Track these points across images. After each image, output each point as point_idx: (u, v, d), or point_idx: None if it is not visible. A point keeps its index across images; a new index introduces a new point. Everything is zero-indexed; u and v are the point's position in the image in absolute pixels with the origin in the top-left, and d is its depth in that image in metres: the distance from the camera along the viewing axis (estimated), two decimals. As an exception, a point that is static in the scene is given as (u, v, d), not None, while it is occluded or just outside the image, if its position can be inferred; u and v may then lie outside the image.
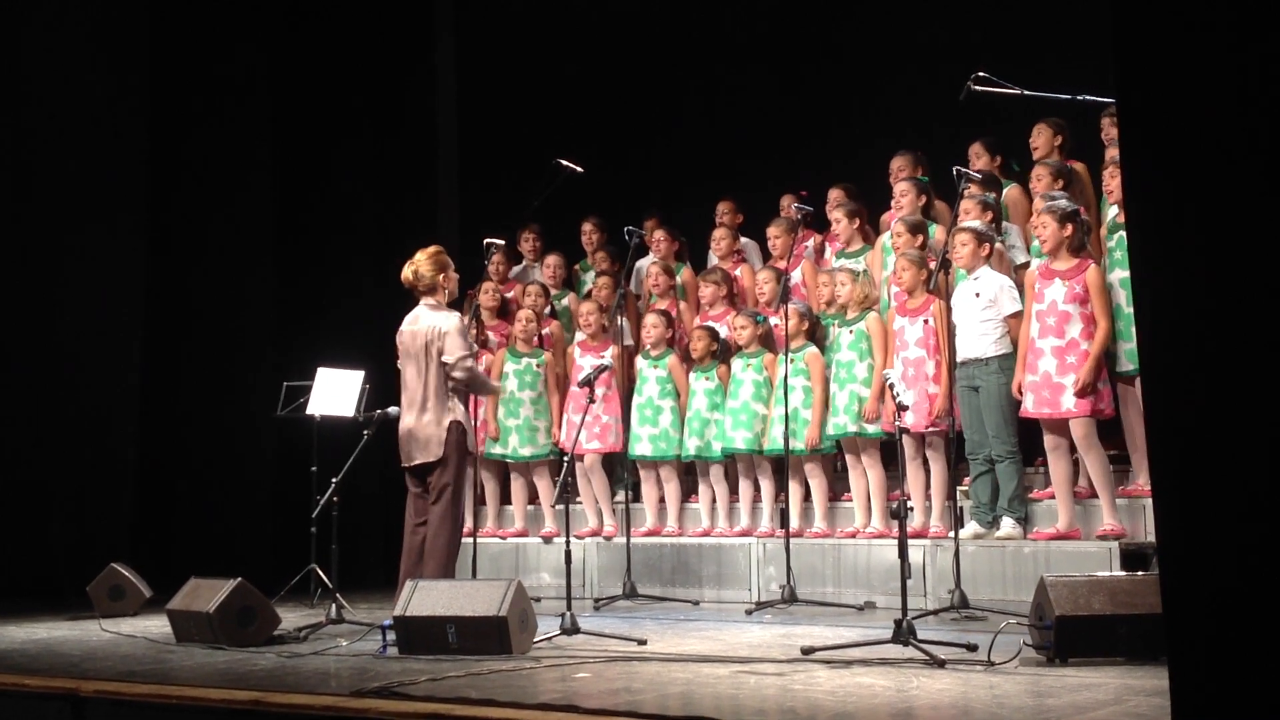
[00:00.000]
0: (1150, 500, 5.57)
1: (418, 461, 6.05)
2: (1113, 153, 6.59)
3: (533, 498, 8.34)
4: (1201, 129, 2.62)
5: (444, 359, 6.02)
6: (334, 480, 6.37)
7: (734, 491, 7.62)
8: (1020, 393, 6.30)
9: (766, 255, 8.13)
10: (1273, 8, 2.52)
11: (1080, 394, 6.06)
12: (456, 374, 6.02)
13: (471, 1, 10.60)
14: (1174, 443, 2.65)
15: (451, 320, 6.09)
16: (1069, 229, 6.21)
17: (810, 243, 8.02)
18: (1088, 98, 6.26)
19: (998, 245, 6.77)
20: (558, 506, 6.86)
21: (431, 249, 6.26)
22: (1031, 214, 6.87)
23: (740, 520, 7.53)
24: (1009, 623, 4.99)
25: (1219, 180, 2.59)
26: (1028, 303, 6.35)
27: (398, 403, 6.87)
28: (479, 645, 5.06)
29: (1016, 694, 3.96)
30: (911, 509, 6.68)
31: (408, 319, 6.22)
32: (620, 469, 8.06)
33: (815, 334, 7.31)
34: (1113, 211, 6.49)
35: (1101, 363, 6.14)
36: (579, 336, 8.20)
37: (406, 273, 6.19)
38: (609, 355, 7.82)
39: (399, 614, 5.20)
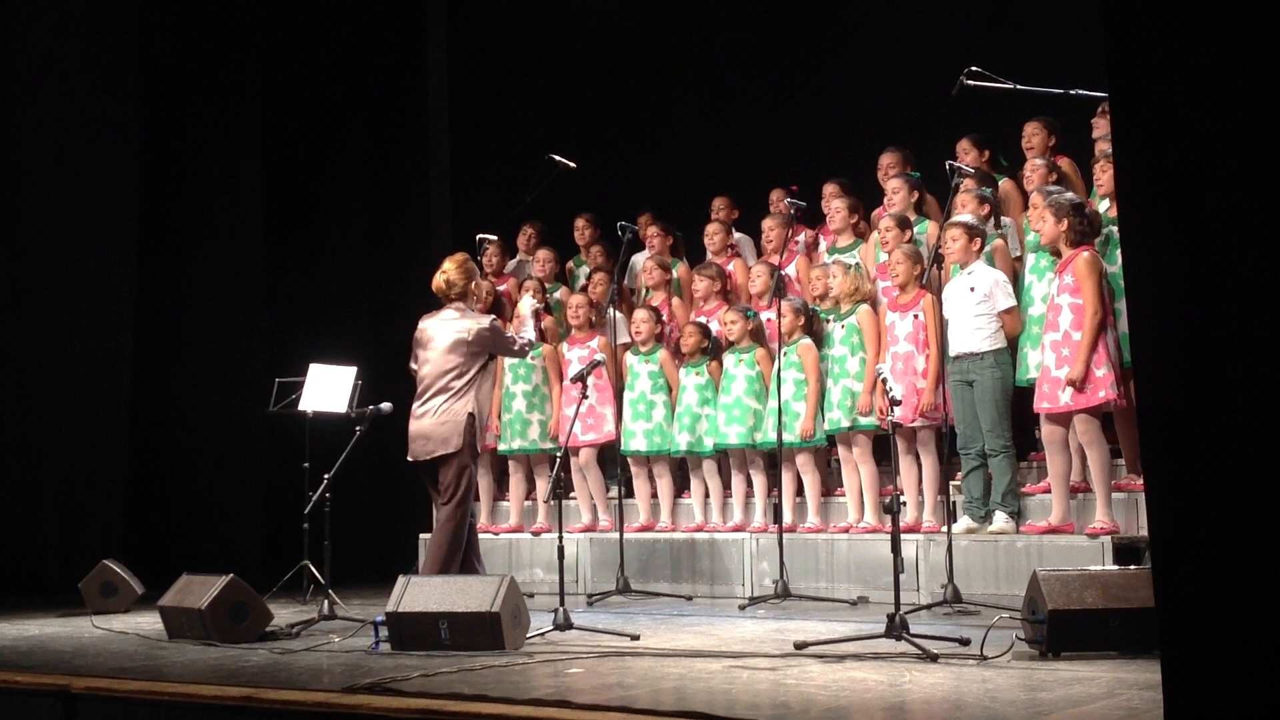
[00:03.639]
0: (1143, 494, 5.59)
1: (434, 455, 6.09)
2: (1103, 146, 6.58)
3: (529, 492, 8.33)
4: (1195, 124, 2.62)
5: (510, 353, 6.52)
6: (326, 476, 6.36)
7: (727, 487, 7.62)
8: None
9: (760, 250, 8.13)
10: (1266, 4, 2.52)
11: (1074, 387, 6.04)
12: (519, 351, 6.58)
13: (463, -3, 10.60)
14: (1166, 437, 2.65)
15: (487, 319, 6.34)
16: (1065, 223, 6.19)
17: (802, 237, 8.02)
18: (1080, 92, 6.25)
19: (996, 240, 6.77)
20: (550, 502, 6.86)
21: (459, 257, 6.42)
22: (1025, 207, 6.88)
23: (733, 515, 7.53)
24: (1001, 617, 5.00)
25: (1212, 175, 2.59)
26: (1029, 301, 6.34)
27: (390, 398, 6.89)
28: (472, 641, 5.05)
29: (1009, 688, 3.96)
30: (904, 504, 6.69)
31: (432, 318, 6.30)
32: (613, 465, 8.04)
33: (812, 329, 7.31)
34: (1103, 206, 6.49)
35: (1096, 349, 6.06)
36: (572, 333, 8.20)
37: (439, 281, 6.32)
38: (595, 344, 7.84)
39: (391, 610, 5.20)
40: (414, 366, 6.34)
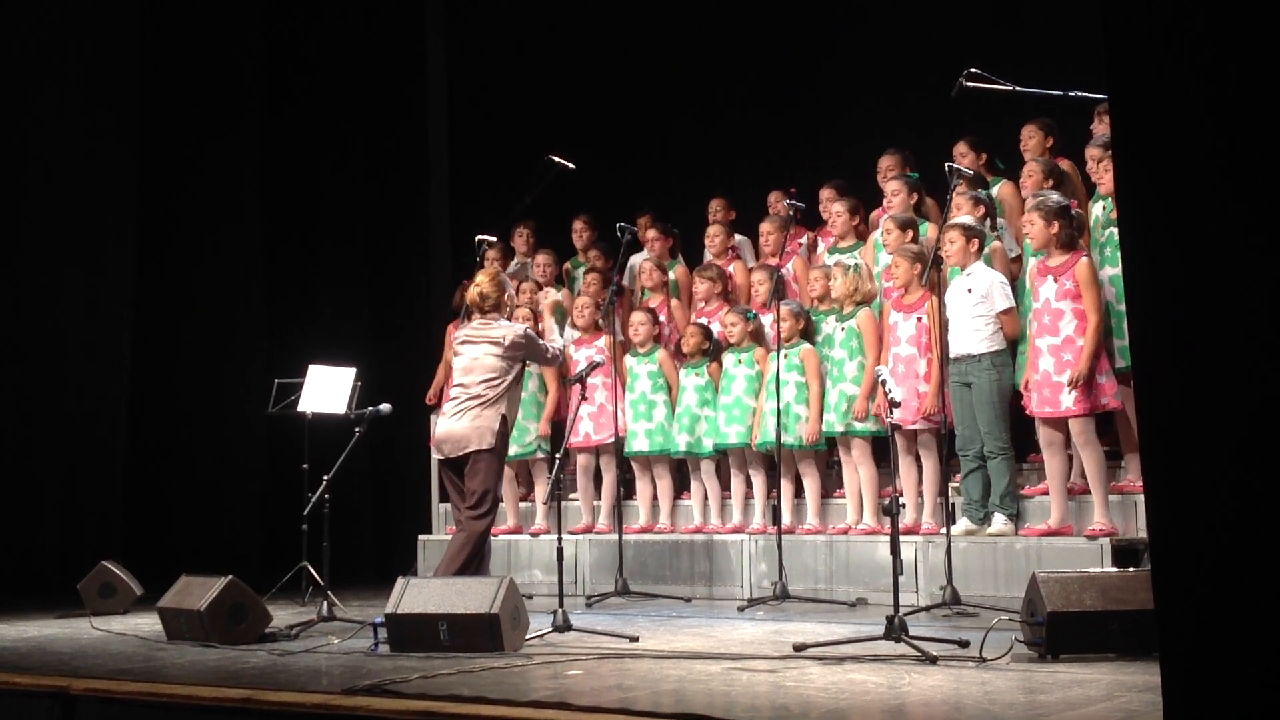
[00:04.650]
0: (1142, 496, 5.59)
1: (467, 451, 6.13)
2: (1102, 142, 6.55)
3: (527, 494, 8.32)
4: (1194, 125, 2.62)
5: (543, 360, 6.63)
6: (325, 478, 6.37)
7: (726, 488, 7.61)
8: (1026, 390, 6.30)
9: (758, 253, 8.12)
10: (1265, 4, 2.52)
11: (1074, 386, 6.03)
12: (551, 360, 6.74)
13: (462, -1, 10.60)
14: (1166, 438, 2.64)
15: (522, 326, 6.49)
16: (1055, 226, 6.19)
17: (804, 239, 8.02)
18: (1078, 93, 6.25)
19: (994, 242, 6.76)
20: (549, 503, 6.86)
21: (490, 271, 6.58)
22: (1022, 210, 6.87)
23: (732, 517, 7.52)
24: (1001, 619, 5.00)
25: (1212, 175, 2.59)
26: (1029, 303, 6.33)
27: (389, 399, 6.90)
28: (471, 642, 5.05)
29: (1008, 690, 3.96)
30: (904, 505, 6.69)
31: (466, 326, 6.45)
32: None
33: (808, 333, 7.31)
34: (1099, 207, 6.48)
35: (1099, 354, 6.08)
36: (570, 334, 8.18)
37: (472, 294, 6.44)
38: (601, 344, 7.83)
39: (390, 611, 5.20)
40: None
